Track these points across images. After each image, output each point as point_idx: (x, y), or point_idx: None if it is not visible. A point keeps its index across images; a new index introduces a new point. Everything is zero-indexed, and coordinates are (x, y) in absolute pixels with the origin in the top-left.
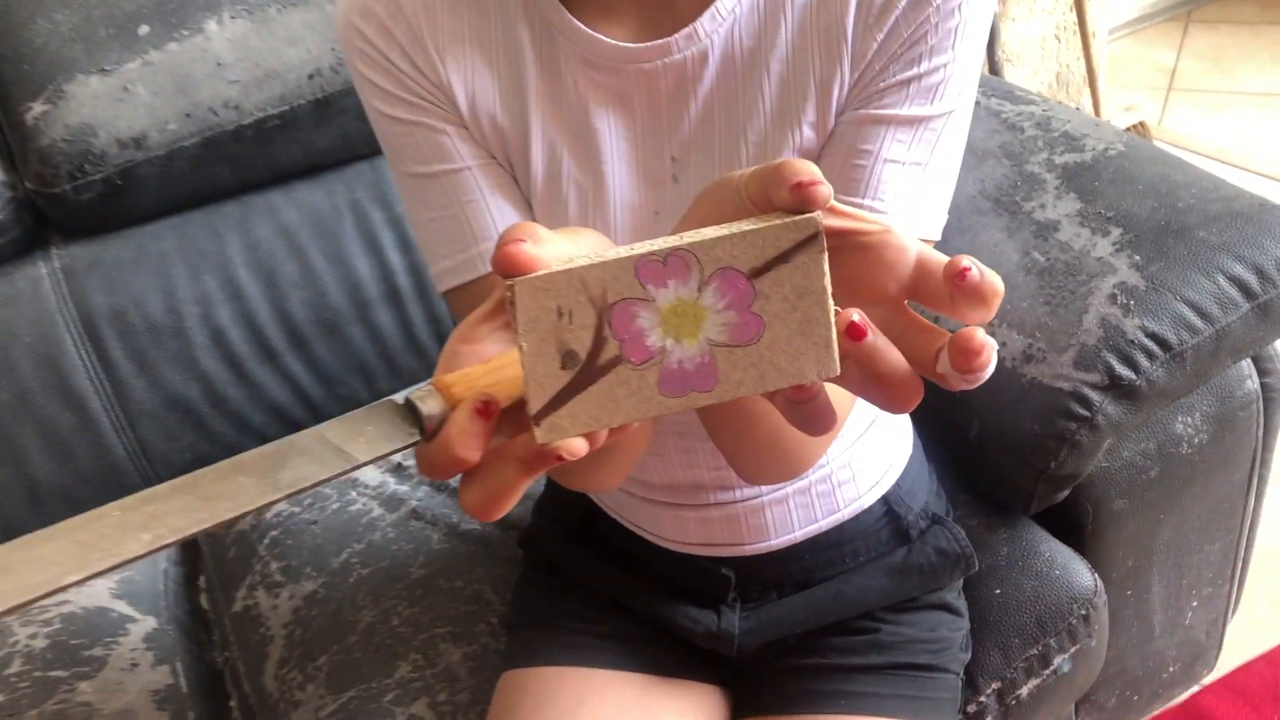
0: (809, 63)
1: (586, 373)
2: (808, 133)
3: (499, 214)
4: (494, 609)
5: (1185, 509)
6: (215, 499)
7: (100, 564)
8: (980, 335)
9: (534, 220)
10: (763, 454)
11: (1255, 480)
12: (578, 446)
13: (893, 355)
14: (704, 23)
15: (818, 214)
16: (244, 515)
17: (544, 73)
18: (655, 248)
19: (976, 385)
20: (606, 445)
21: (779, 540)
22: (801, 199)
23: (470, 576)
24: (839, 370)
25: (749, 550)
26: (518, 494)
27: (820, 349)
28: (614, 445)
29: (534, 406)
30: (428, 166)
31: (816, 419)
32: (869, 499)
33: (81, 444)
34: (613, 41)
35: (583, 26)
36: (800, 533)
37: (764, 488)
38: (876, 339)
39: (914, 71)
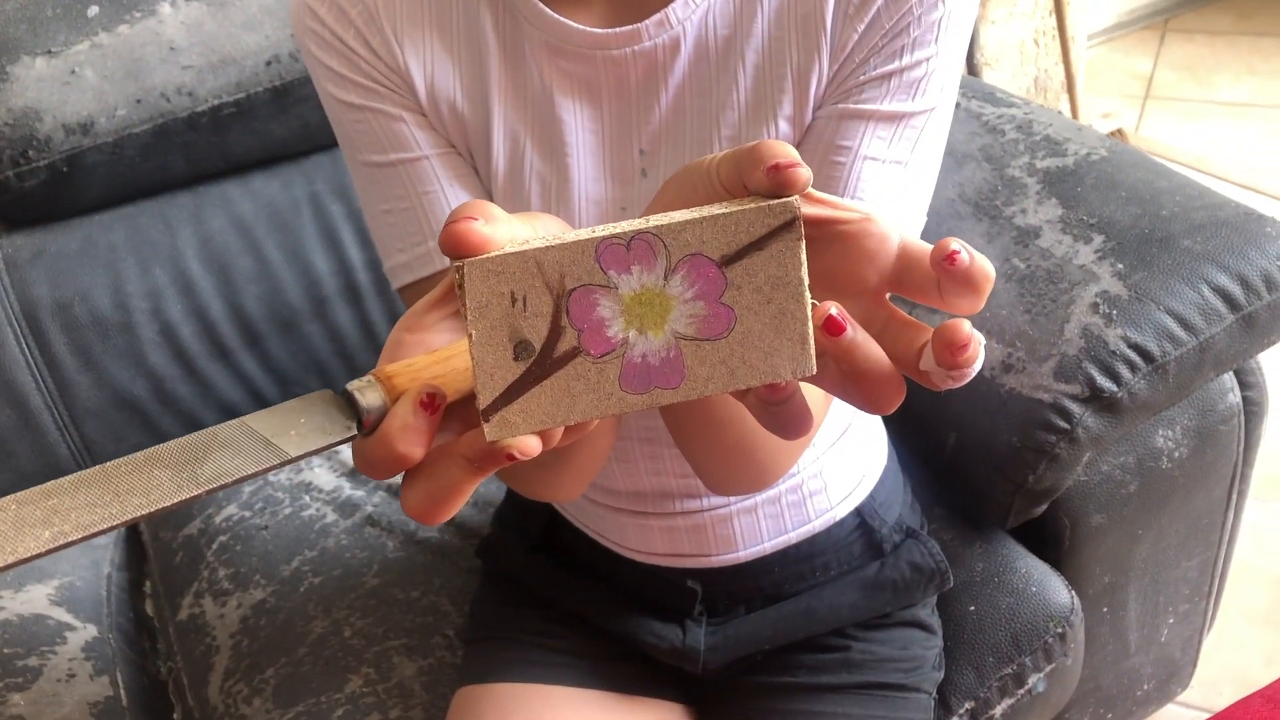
0: (786, 53)
1: (541, 365)
2: (784, 126)
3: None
4: (451, 621)
5: (1164, 525)
6: (127, 493)
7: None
8: (967, 327)
9: None
10: (731, 462)
11: (1235, 495)
12: (530, 445)
13: (874, 351)
14: (676, 9)
15: (795, 198)
16: (158, 511)
17: (507, 59)
18: (619, 230)
19: (963, 383)
20: (563, 446)
21: (747, 552)
22: (778, 182)
23: (427, 587)
24: (815, 368)
25: (716, 562)
26: (464, 496)
27: (795, 345)
28: (572, 447)
29: (483, 400)
30: (383, 155)
31: (791, 421)
32: (841, 510)
33: (22, 442)
34: (580, 27)
35: (548, 11)
36: (769, 544)
37: (732, 497)
38: (856, 334)
39: (895, 65)
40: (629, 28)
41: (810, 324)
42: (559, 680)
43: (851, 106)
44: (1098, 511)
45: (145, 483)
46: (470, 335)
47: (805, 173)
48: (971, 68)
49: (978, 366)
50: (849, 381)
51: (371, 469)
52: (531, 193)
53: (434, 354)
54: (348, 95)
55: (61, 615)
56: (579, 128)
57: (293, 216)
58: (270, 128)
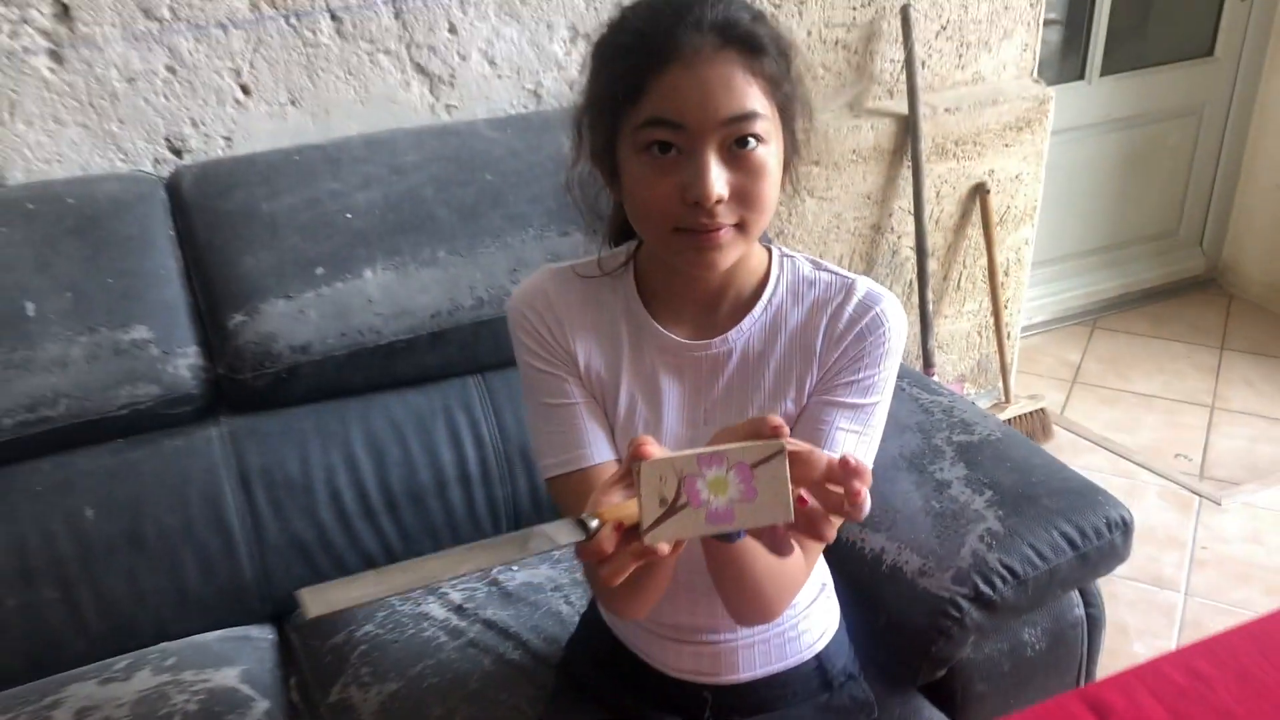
0: (793, 365)
1: (671, 510)
2: (789, 407)
3: (593, 434)
4: (527, 717)
5: (1029, 697)
6: (492, 552)
7: (441, 575)
8: (856, 483)
9: (612, 439)
10: (749, 597)
11: (1083, 681)
12: (664, 548)
13: (820, 512)
14: (731, 334)
15: (783, 440)
16: (506, 561)
17: (632, 352)
18: (706, 451)
19: (863, 513)
20: (667, 558)
21: (745, 674)
22: (775, 433)
23: (512, 693)
24: (793, 519)
25: (724, 680)
26: (628, 571)
27: (783, 507)
28: (651, 572)
29: (645, 525)
30: (553, 399)
31: (781, 545)
32: (808, 654)
33: (224, 566)
34: (676, 338)
35: (660, 328)
36: (760, 671)
37: (741, 633)
38: (813, 504)
39: (856, 377)
40: (704, 341)
41: (791, 497)
42: None
43: (829, 398)
44: (981, 681)
45: (500, 551)
46: (640, 495)
47: (785, 430)
48: (926, 351)
49: (867, 504)
50: (808, 525)
51: (587, 557)
52: (637, 429)
53: (620, 505)
54: (538, 364)
55: (247, 690)
56: (670, 394)
57: (430, 422)
58: (425, 359)
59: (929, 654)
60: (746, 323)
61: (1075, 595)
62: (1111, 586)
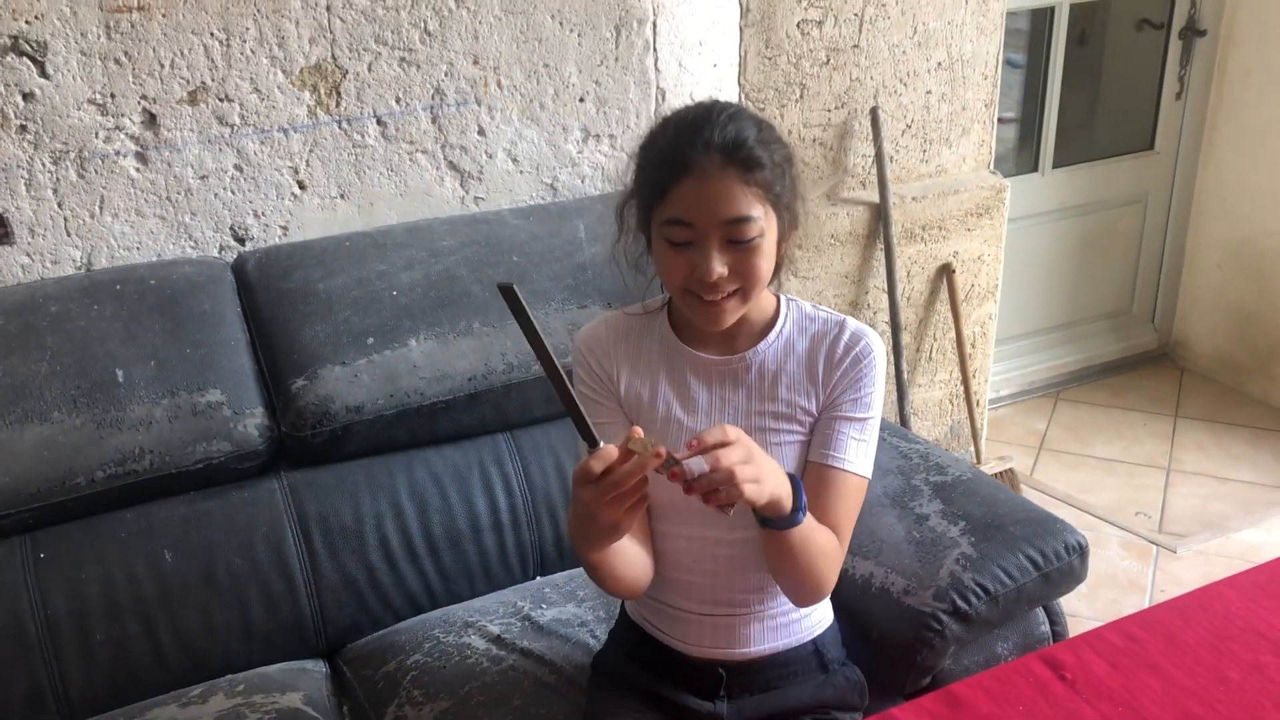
0: (801, 382)
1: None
2: (804, 411)
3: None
4: None
5: None
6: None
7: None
8: (685, 466)
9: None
10: (799, 579)
11: None
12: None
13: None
14: (748, 353)
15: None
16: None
17: (668, 368)
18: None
19: (726, 501)
20: (614, 533)
21: (754, 649)
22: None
23: (550, 709)
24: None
25: (736, 655)
26: (607, 498)
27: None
28: (615, 551)
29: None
30: (594, 419)
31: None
32: (806, 638)
33: (285, 604)
34: (704, 355)
35: (688, 348)
36: (766, 647)
37: (752, 608)
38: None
39: (857, 395)
40: (726, 357)
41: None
42: None
43: (838, 414)
44: None
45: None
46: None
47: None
48: (903, 416)
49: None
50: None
51: (578, 475)
52: (675, 427)
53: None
54: (586, 390)
55: (311, 713)
56: (700, 398)
57: (467, 474)
58: (462, 418)
59: (914, 663)
60: (762, 345)
61: (1041, 613)
62: (1079, 626)
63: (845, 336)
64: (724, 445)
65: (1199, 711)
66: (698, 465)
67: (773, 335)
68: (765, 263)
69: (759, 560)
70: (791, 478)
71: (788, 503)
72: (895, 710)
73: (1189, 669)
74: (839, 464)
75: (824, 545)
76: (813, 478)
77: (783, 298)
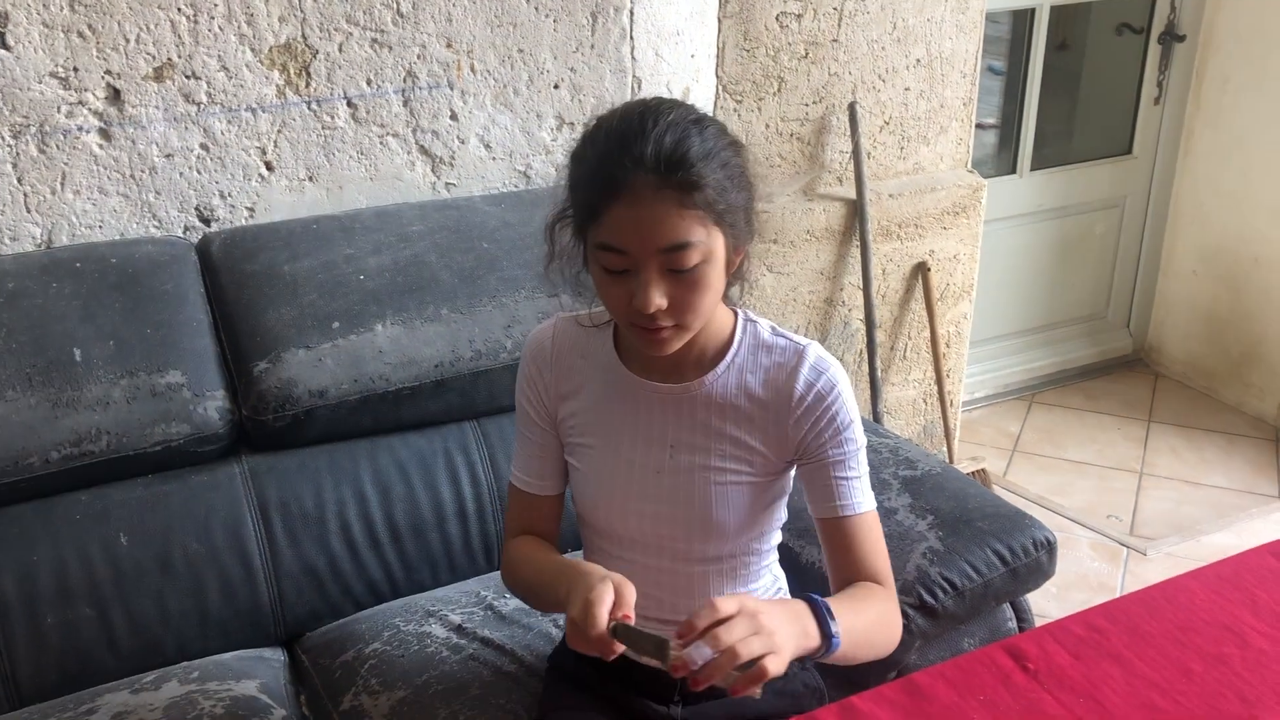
0: (751, 421)
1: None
2: (751, 455)
3: (549, 471)
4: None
5: None
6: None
7: None
8: (683, 657)
9: (564, 475)
10: (863, 658)
11: None
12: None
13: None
14: (693, 384)
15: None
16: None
17: (609, 392)
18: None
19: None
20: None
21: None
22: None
23: (509, 699)
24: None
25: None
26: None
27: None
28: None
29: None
30: (530, 434)
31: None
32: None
33: (243, 590)
34: (652, 383)
35: (632, 374)
36: None
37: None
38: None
39: (835, 434)
40: (673, 385)
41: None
42: None
43: (822, 460)
44: None
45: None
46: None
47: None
48: (876, 414)
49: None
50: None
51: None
52: (613, 457)
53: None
54: (525, 403)
55: (266, 700)
56: (640, 427)
57: (431, 462)
58: (428, 405)
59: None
60: (710, 376)
61: (1008, 609)
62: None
63: (804, 371)
64: (720, 623)
65: (1161, 702)
66: (699, 653)
67: (723, 366)
68: (709, 294)
69: (716, 584)
70: (807, 599)
71: (816, 640)
72: (855, 698)
73: (1152, 660)
74: (850, 512)
75: (873, 620)
76: (829, 534)
77: (740, 315)
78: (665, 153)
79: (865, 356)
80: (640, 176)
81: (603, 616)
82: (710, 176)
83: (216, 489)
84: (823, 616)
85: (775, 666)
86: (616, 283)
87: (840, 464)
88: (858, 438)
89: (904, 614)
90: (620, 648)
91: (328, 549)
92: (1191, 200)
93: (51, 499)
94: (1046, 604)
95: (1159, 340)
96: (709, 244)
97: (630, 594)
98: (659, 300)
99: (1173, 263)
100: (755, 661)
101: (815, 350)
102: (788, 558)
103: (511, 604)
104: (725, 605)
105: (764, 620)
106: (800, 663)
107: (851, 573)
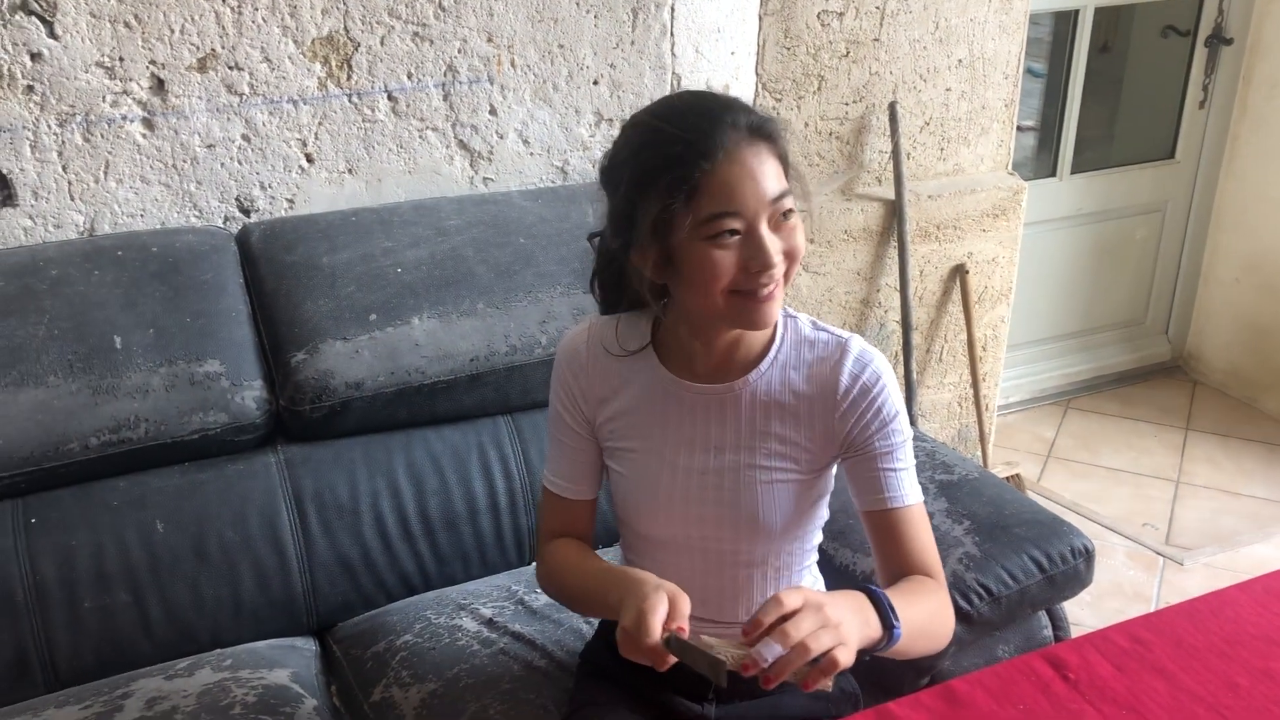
0: (797, 417)
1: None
2: (797, 452)
3: (584, 476)
4: (552, 715)
5: None
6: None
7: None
8: (753, 656)
9: (599, 479)
10: (918, 652)
11: None
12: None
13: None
14: (737, 383)
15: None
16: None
17: (650, 398)
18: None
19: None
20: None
21: None
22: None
23: (539, 693)
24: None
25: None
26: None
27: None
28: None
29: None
30: (564, 439)
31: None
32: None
33: (276, 580)
34: (694, 384)
35: (680, 379)
36: None
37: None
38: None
39: (881, 427)
40: (715, 386)
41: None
42: None
43: (870, 452)
44: None
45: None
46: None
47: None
48: (910, 417)
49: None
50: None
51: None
52: (656, 460)
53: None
54: (560, 408)
55: (297, 689)
56: (684, 430)
57: (465, 455)
58: (463, 399)
59: (913, 663)
60: (754, 374)
61: (1044, 617)
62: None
63: (848, 365)
64: (787, 618)
65: (1206, 717)
66: (770, 651)
67: (766, 362)
68: (803, 240)
69: (760, 586)
70: (868, 591)
71: (878, 630)
72: (892, 704)
73: (1197, 674)
74: (897, 504)
75: (929, 613)
76: (878, 527)
77: (781, 314)
78: (748, 112)
79: (901, 359)
80: (735, 135)
81: (657, 627)
82: (782, 134)
83: (252, 478)
84: (884, 607)
85: (845, 658)
86: (726, 253)
87: (888, 455)
88: (904, 429)
89: None
90: (672, 659)
91: (361, 540)
92: (1235, 206)
93: (90, 485)
94: (1081, 612)
95: (1198, 347)
96: (793, 195)
97: (685, 605)
98: (778, 255)
99: (1214, 269)
100: (824, 655)
101: (858, 343)
102: (822, 560)
103: (542, 599)
104: (790, 599)
105: (829, 613)
106: (842, 672)
107: (901, 565)
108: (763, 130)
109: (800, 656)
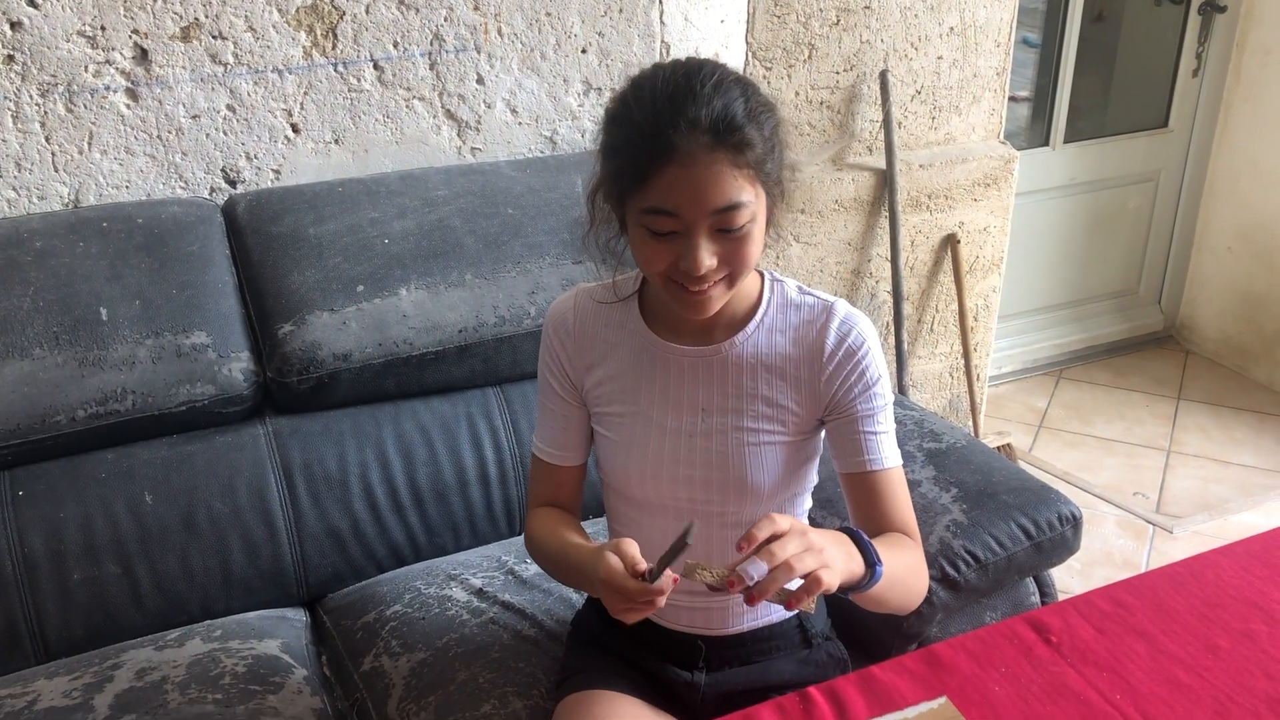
0: (782, 379)
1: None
2: (783, 414)
3: (574, 442)
4: (542, 684)
5: None
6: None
7: None
8: (740, 571)
9: (588, 444)
10: (893, 607)
11: None
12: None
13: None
14: (725, 345)
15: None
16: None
17: (638, 360)
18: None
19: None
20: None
21: (733, 627)
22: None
23: (528, 661)
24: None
25: (715, 631)
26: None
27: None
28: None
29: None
30: (553, 406)
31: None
32: (790, 614)
33: (266, 550)
34: (681, 347)
35: (666, 342)
36: (747, 625)
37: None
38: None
39: (864, 389)
40: (703, 348)
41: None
42: (619, 690)
43: (851, 414)
44: None
45: None
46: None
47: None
48: (901, 386)
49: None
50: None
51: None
52: (644, 421)
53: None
54: (549, 376)
55: (287, 659)
56: (671, 391)
57: (455, 427)
58: (452, 370)
59: (900, 629)
60: (740, 336)
61: (1032, 584)
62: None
63: (834, 326)
64: (776, 538)
65: (1186, 678)
66: (755, 569)
67: (752, 325)
68: (755, 248)
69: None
70: (851, 532)
71: (861, 566)
72: (875, 668)
73: (1177, 636)
74: (877, 466)
75: (907, 565)
76: (857, 489)
77: (767, 276)
78: (717, 114)
79: (892, 329)
80: (693, 138)
81: (631, 585)
82: (757, 136)
83: (241, 450)
84: (866, 546)
85: (829, 578)
86: (661, 245)
87: (869, 418)
88: (885, 393)
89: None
90: (667, 586)
91: (350, 511)
92: (1228, 176)
93: (78, 457)
94: (1070, 580)
95: (1190, 317)
96: (756, 204)
97: (632, 548)
98: (709, 260)
99: (1207, 239)
100: (808, 576)
101: (843, 306)
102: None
103: (532, 569)
104: (781, 521)
105: (814, 539)
106: (827, 632)
107: (880, 526)
108: (729, 136)
109: (784, 575)
